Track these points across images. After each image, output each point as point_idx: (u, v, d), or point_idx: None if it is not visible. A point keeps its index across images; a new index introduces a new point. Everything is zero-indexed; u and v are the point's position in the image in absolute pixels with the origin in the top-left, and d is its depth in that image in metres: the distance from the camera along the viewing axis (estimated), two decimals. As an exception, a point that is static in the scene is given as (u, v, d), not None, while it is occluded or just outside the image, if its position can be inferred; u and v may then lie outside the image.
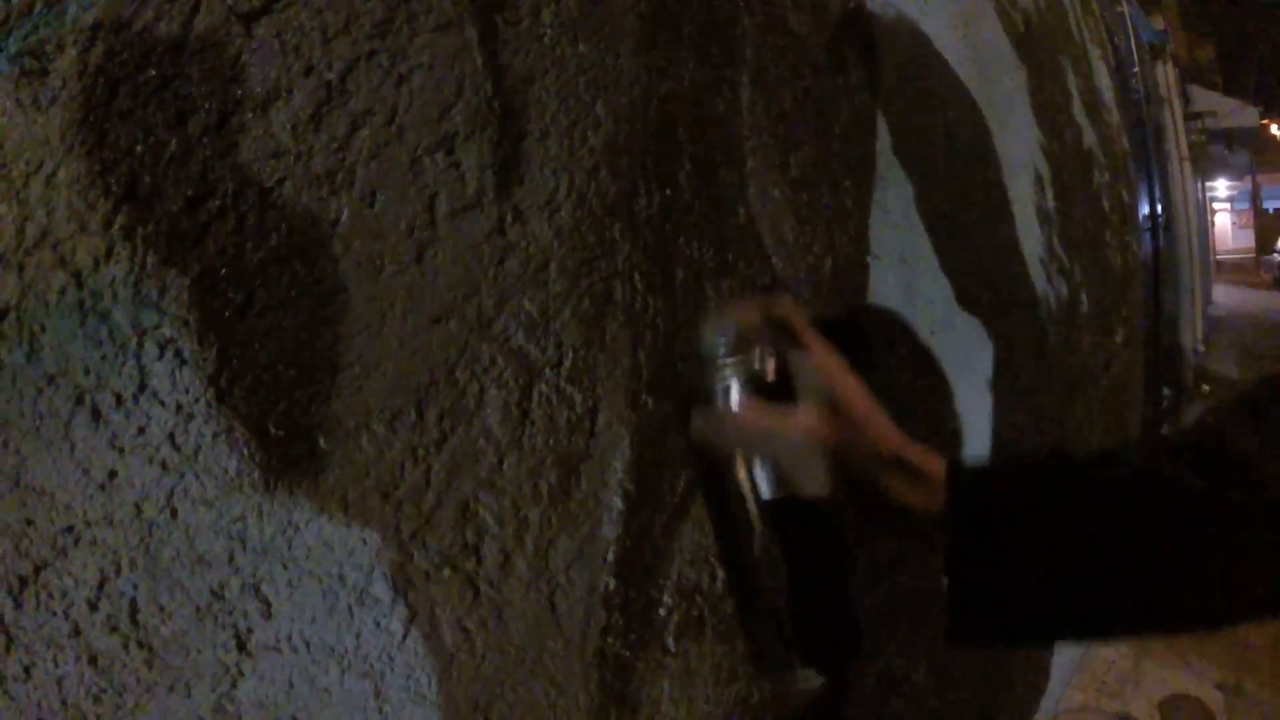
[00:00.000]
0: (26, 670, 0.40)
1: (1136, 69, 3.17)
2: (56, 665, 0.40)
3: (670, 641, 0.71)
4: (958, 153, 1.29)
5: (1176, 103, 4.04)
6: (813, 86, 0.91)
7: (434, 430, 0.53)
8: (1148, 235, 3.20)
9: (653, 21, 0.71)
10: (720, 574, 0.73)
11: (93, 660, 0.41)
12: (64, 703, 0.40)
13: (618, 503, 0.63)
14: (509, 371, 0.57)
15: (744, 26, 0.83)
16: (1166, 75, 3.85)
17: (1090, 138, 2.12)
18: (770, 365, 0.48)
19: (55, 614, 0.40)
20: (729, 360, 0.49)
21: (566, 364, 0.60)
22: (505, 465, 0.56)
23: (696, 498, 0.69)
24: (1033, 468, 0.47)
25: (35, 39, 0.40)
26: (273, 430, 0.48)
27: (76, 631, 0.41)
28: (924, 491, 0.45)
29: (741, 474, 0.48)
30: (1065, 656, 1.82)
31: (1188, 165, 3.97)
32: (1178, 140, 3.81)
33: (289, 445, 0.49)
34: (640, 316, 0.65)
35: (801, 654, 0.51)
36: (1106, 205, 2.18)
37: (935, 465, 0.46)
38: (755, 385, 0.48)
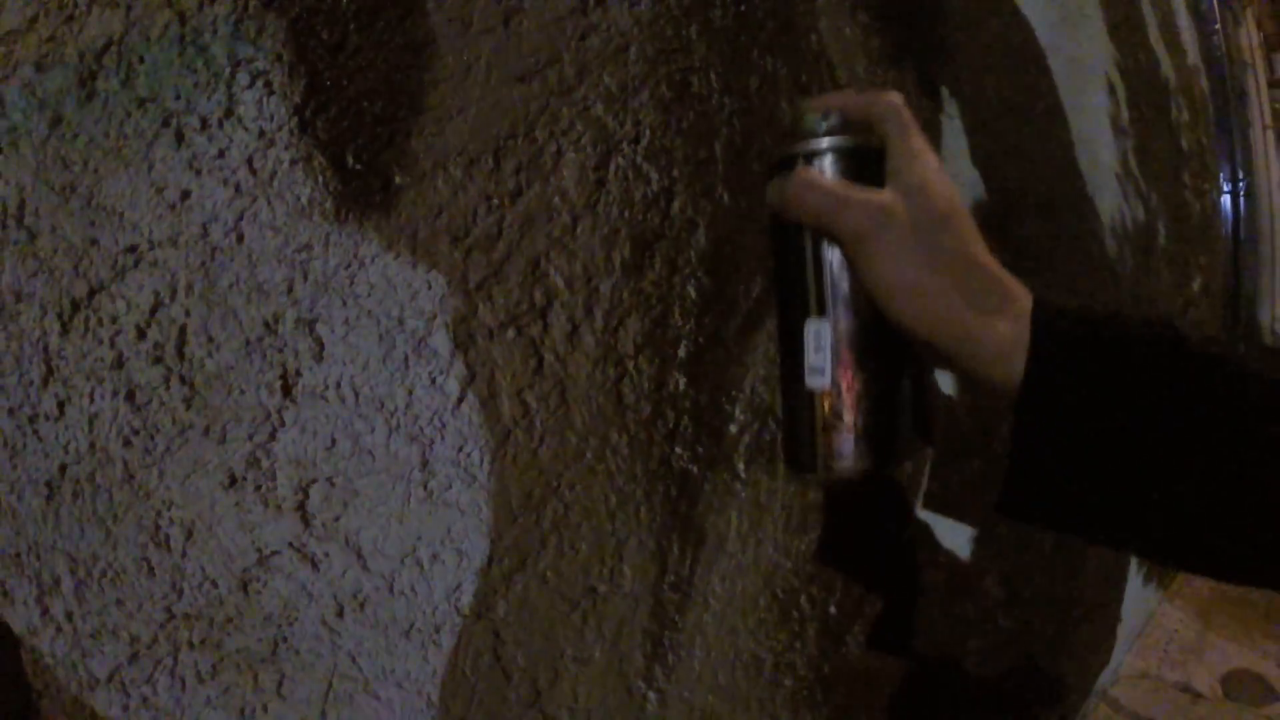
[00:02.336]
0: (60, 406, 0.38)
1: (1218, 25, 3.03)
2: (92, 401, 0.39)
3: (740, 466, 0.69)
4: (1022, 40, 1.24)
5: (1260, 68, 3.86)
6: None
7: (510, 181, 0.52)
8: (1228, 198, 3.05)
9: None
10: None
11: (130, 396, 0.40)
12: (92, 445, 0.39)
13: (691, 291, 0.61)
14: (587, 137, 0.56)
15: None
16: (1250, 38, 3.68)
17: (1168, 71, 2.02)
18: (867, 148, 0.44)
19: (101, 342, 0.39)
20: (825, 136, 0.46)
21: (644, 141, 0.58)
22: (579, 229, 0.55)
23: (771, 309, 0.67)
24: (1136, 336, 0.39)
25: None
26: (350, 161, 0.48)
27: (120, 362, 0.39)
28: (1002, 329, 0.39)
29: (807, 246, 0.44)
30: (1129, 624, 1.74)
31: (1271, 134, 3.79)
32: (1261, 107, 3.62)
33: (365, 178, 0.48)
34: (717, 112, 0.64)
35: (833, 447, 0.46)
36: (1185, 145, 2.08)
37: (1021, 298, 0.40)
38: (847, 164, 0.44)
